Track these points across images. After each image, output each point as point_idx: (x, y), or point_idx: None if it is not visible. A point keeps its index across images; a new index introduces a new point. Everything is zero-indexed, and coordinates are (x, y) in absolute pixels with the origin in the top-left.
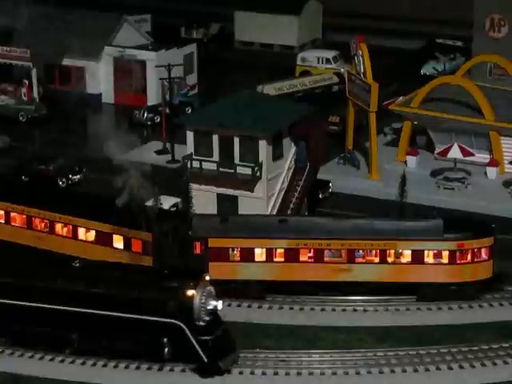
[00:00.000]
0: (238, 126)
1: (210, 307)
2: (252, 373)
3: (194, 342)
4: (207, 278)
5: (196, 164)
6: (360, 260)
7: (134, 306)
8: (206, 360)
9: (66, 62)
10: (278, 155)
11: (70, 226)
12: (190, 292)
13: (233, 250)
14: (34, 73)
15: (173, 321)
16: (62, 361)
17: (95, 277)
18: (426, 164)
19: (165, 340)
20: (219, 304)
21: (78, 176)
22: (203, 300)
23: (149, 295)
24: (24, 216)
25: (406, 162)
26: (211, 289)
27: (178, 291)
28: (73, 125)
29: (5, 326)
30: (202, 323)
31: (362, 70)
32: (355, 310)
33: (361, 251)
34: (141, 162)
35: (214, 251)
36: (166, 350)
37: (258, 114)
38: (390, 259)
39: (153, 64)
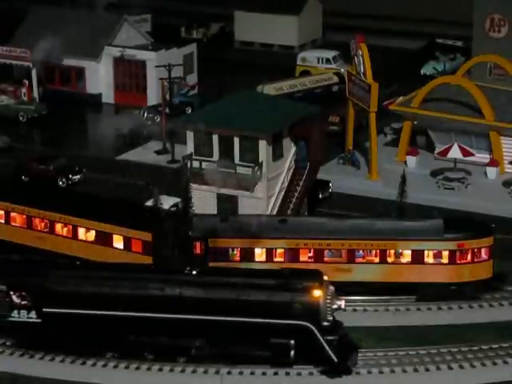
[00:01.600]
0: (238, 126)
1: (334, 306)
2: (252, 373)
3: (324, 342)
4: (326, 277)
5: (196, 164)
6: (360, 260)
7: (260, 310)
8: (335, 360)
9: (66, 61)
10: (278, 155)
11: (70, 226)
12: (316, 292)
13: (233, 250)
14: (34, 73)
15: (301, 322)
16: (62, 361)
17: (215, 283)
18: (426, 164)
19: (292, 342)
20: (343, 303)
21: (78, 176)
22: (328, 300)
23: (275, 298)
24: (24, 216)
25: (405, 162)
26: (333, 288)
27: (304, 292)
28: (73, 125)
29: (114, 339)
30: (326, 323)
31: (362, 70)
32: (355, 310)
33: (361, 251)
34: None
35: (214, 251)
36: (293, 352)
37: (258, 114)
38: (390, 259)
39: (153, 64)
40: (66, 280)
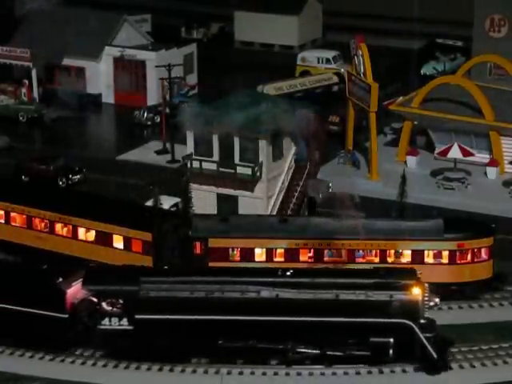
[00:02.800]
0: (238, 126)
1: (431, 303)
2: (252, 373)
3: (424, 339)
4: (419, 274)
5: (196, 164)
6: (360, 260)
7: (359, 310)
8: (435, 357)
9: (65, 61)
10: (277, 155)
11: (70, 226)
12: (416, 290)
13: (233, 250)
14: (34, 73)
15: (402, 320)
16: (62, 361)
17: (312, 284)
18: (426, 164)
19: (391, 341)
20: (438, 300)
21: (78, 176)
22: (426, 297)
23: (375, 297)
24: (24, 216)
25: (406, 162)
26: (427, 285)
27: (404, 290)
28: (73, 125)
29: (206, 344)
30: (423, 320)
31: (362, 70)
32: None
33: (361, 251)
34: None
35: (214, 251)
36: (391, 351)
37: (257, 114)
38: (390, 259)
39: (153, 64)
40: (159, 286)
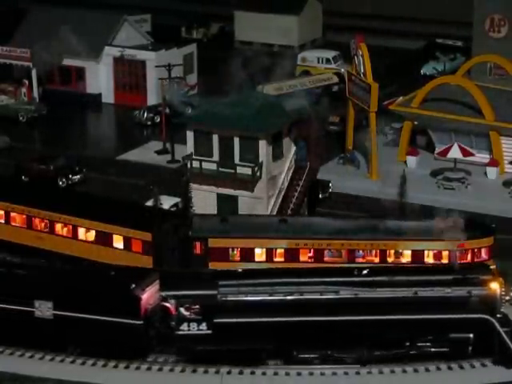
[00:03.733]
0: (238, 126)
1: (507, 298)
2: (252, 373)
3: (504, 334)
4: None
5: (196, 164)
6: (360, 260)
7: (439, 306)
8: None
9: (65, 62)
10: (277, 155)
11: (70, 226)
12: (494, 285)
13: (233, 250)
14: (34, 73)
15: (482, 316)
16: (62, 361)
17: (390, 282)
18: (426, 164)
19: (470, 336)
20: None
21: (78, 176)
22: (503, 292)
23: (454, 293)
24: (24, 216)
25: (405, 162)
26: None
27: (482, 285)
28: (73, 125)
29: (282, 347)
30: (500, 315)
31: (362, 70)
32: None
33: (361, 251)
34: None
35: (214, 251)
36: (470, 346)
37: (257, 114)
38: (389, 259)
39: (153, 64)
40: (237, 289)
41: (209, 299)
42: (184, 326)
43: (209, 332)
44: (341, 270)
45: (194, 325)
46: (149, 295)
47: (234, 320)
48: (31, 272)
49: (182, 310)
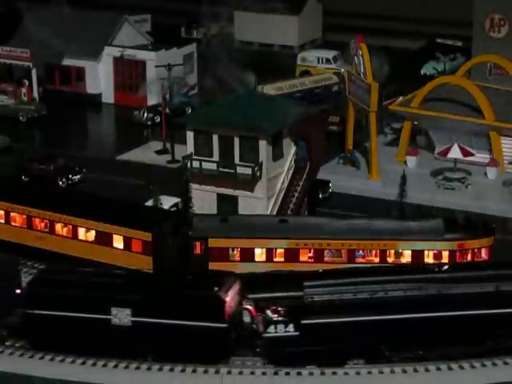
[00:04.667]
0: (238, 126)
1: None
2: (252, 373)
3: None
4: None
5: (196, 164)
6: (360, 260)
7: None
8: None
9: (66, 61)
10: (277, 155)
11: (70, 226)
12: None
13: (233, 250)
14: (34, 73)
15: None
16: (62, 360)
17: (470, 277)
18: (426, 164)
19: None
20: None
21: (78, 176)
22: None
23: None
24: (24, 216)
25: (405, 162)
26: None
27: None
28: (73, 125)
29: (370, 345)
30: None
31: (362, 70)
32: None
33: (361, 251)
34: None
35: (214, 251)
36: None
37: (258, 114)
38: (390, 259)
39: (153, 64)
40: (322, 289)
41: (296, 300)
42: (271, 329)
43: (296, 333)
44: (423, 268)
45: (281, 327)
46: (230, 298)
47: (321, 321)
48: (108, 279)
49: (268, 312)
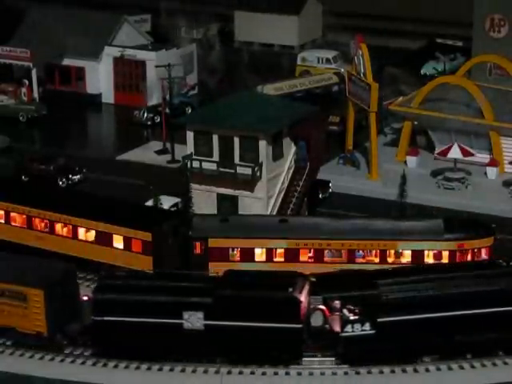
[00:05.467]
0: (237, 126)
1: None
2: (252, 373)
3: None
4: None
5: (196, 164)
6: (360, 260)
7: None
8: None
9: (66, 61)
10: (277, 155)
11: (70, 226)
12: None
13: (233, 250)
14: (34, 73)
15: None
16: (62, 360)
17: None
18: (426, 164)
19: None
20: None
21: (78, 176)
22: None
23: None
24: (24, 216)
25: (405, 162)
26: None
27: None
28: (73, 125)
29: (443, 340)
30: None
31: (362, 70)
32: None
33: (361, 251)
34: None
35: (214, 251)
36: None
37: (258, 114)
38: (390, 259)
39: (153, 64)
40: (396, 287)
41: (371, 299)
42: (348, 328)
43: (372, 332)
44: (489, 264)
45: (357, 326)
46: (304, 298)
47: (397, 318)
48: (178, 283)
49: (345, 311)
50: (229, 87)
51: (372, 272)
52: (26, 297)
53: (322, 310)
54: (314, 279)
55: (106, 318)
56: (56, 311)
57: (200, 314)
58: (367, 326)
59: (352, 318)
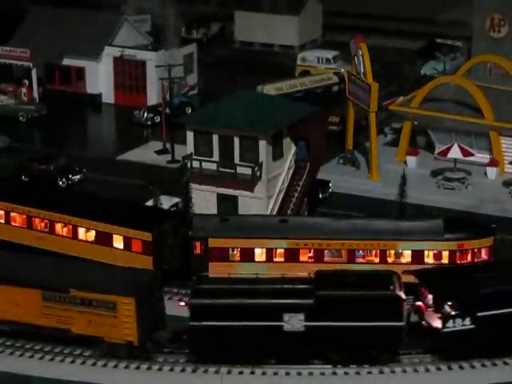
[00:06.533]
0: (238, 126)
1: None
2: (252, 373)
3: None
4: None
5: (196, 164)
6: (360, 260)
7: None
8: None
9: (66, 61)
10: (277, 155)
11: (70, 226)
12: None
13: (233, 250)
14: (34, 73)
15: None
16: (62, 360)
17: None
18: (426, 164)
19: None
20: None
21: (78, 176)
22: None
23: None
24: (24, 216)
25: (405, 162)
26: None
27: None
28: (73, 125)
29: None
30: None
31: (362, 70)
32: None
33: (361, 251)
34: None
35: (214, 251)
36: None
37: (258, 114)
38: (389, 259)
39: (153, 64)
40: (493, 281)
41: (471, 294)
42: (450, 324)
43: (472, 327)
44: None
45: (458, 321)
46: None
47: (495, 312)
48: (276, 285)
49: (446, 307)
50: (229, 87)
51: (467, 267)
52: (116, 305)
53: (419, 306)
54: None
55: (203, 323)
56: (145, 319)
57: (301, 316)
58: (467, 321)
59: (453, 313)
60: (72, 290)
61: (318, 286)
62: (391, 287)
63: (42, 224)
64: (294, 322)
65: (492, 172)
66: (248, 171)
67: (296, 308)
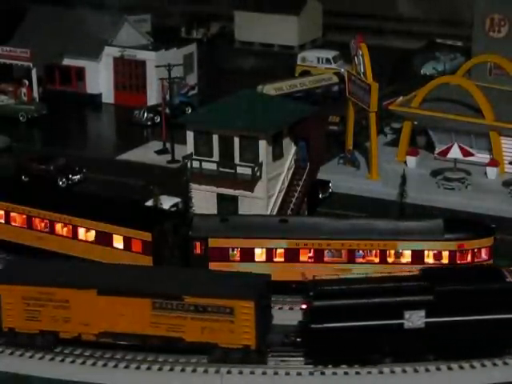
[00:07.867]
0: (237, 126)
1: None
2: (252, 372)
3: None
4: None
5: (196, 164)
6: (360, 260)
7: None
8: None
9: (66, 61)
10: (277, 155)
11: (70, 226)
12: None
13: (233, 250)
14: (34, 73)
15: None
16: (62, 360)
17: None
18: (426, 164)
19: None
20: None
21: (78, 176)
22: None
23: None
24: (24, 216)
25: (405, 162)
26: None
27: None
28: (73, 125)
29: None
30: None
31: (362, 70)
32: None
33: (361, 251)
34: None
35: (214, 251)
36: None
37: (258, 114)
38: (389, 259)
39: (153, 64)
40: None
41: None
42: None
43: None
44: None
45: None
46: None
47: None
48: (397, 284)
49: None
50: (229, 87)
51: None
52: (234, 310)
53: None
54: None
55: (325, 325)
56: (261, 323)
57: (421, 313)
58: None
59: None
60: (186, 297)
61: (437, 282)
62: (508, 279)
63: (42, 224)
64: (415, 319)
65: (492, 172)
66: (248, 171)
67: (417, 305)
